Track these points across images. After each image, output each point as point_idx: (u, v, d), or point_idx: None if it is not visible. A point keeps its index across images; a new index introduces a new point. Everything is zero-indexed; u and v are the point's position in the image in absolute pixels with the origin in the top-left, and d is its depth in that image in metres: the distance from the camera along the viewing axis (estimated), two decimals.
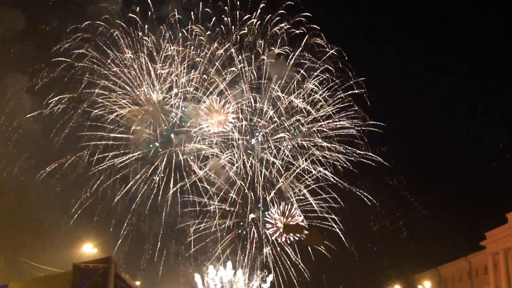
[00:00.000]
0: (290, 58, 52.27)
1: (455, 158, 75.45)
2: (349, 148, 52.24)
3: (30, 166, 45.48)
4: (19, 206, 42.16)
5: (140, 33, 50.63)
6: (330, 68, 52.44)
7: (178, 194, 50.34)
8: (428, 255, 56.00)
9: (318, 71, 52.61)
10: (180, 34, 51.04)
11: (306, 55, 52.66)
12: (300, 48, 52.32)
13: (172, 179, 50.20)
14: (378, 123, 51.93)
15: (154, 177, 49.87)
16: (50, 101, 46.91)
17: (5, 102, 43.81)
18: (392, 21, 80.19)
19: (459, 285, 51.83)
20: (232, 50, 52.19)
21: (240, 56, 52.52)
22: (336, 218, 51.00)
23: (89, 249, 35.48)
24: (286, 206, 51.65)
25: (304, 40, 52.21)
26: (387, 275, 57.69)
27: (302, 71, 52.52)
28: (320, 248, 47.99)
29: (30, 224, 41.74)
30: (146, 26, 50.70)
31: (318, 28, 52.27)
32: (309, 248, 49.15)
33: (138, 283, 32.65)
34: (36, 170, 45.53)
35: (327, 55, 52.41)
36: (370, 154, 51.58)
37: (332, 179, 51.79)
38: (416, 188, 66.98)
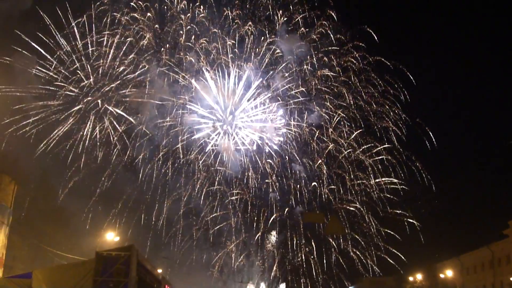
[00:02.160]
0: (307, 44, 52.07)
1: (478, 146, 74.25)
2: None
3: (48, 154, 45.20)
4: (42, 195, 42.59)
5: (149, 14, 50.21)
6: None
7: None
8: (450, 244, 55.38)
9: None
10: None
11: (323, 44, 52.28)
12: (317, 32, 52.11)
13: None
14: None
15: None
16: (57, 88, 45.83)
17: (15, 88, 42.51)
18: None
19: (481, 274, 51.11)
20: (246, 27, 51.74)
21: (252, 37, 51.95)
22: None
23: (111, 237, 35.91)
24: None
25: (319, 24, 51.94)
26: (409, 263, 57.27)
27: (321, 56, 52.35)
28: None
29: (53, 212, 42.26)
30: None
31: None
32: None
33: (160, 271, 32.90)
34: (54, 158, 45.43)
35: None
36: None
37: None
38: (438, 176, 65.95)
